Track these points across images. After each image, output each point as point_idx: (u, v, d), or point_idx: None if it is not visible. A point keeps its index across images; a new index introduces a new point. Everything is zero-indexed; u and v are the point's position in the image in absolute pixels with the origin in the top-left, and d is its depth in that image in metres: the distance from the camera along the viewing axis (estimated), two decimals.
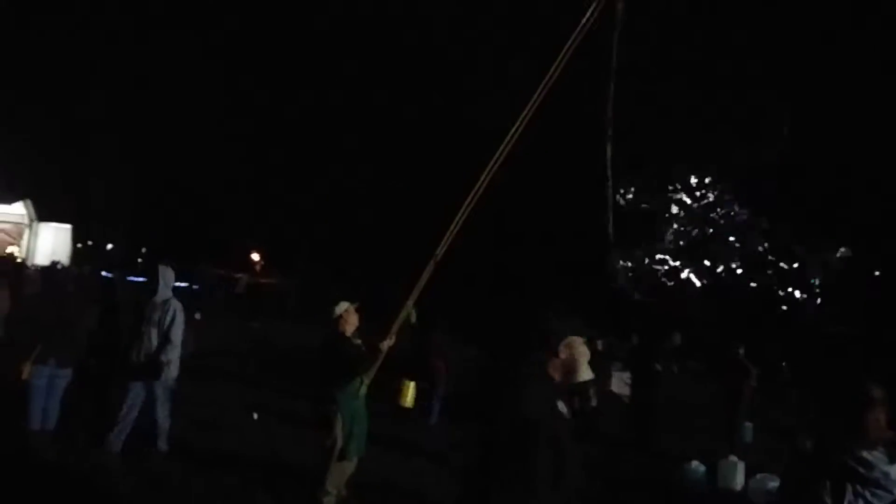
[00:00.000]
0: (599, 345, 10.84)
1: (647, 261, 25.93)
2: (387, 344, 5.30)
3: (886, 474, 2.26)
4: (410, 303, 5.34)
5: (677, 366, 9.37)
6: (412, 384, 9.75)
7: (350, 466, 5.52)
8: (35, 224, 24.00)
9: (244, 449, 7.22)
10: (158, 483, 5.85)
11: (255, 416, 8.73)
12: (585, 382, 8.75)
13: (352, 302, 5.79)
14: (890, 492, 2.26)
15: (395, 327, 5.35)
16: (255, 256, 46.00)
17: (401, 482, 6.71)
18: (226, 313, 22.56)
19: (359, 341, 5.74)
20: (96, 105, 36.24)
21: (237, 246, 42.34)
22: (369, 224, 34.04)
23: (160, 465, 6.28)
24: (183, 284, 36.07)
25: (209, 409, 8.83)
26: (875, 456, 2.28)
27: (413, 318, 13.50)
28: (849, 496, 2.27)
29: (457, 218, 5.03)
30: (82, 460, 6.12)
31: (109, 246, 40.46)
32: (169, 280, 6.71)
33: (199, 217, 39.85)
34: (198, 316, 10.61)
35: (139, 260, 38.34)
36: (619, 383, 11.44)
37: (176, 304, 6.55)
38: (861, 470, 2.28)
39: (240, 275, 31.20)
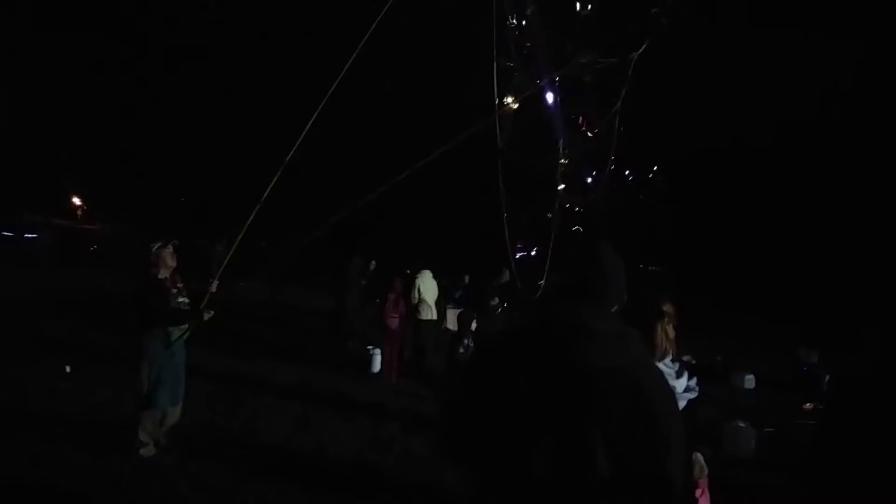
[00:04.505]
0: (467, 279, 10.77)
1: None
2: (209, 315, 5.11)
3: (674, 388, 2.39)
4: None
5: (506, 301, 9.68)
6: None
7: (161, 414, 5.22)
8: None
9: (56, 405, 6.60)
10: None
11: (68, 368, 8.02)
12: (428, 321, 8.90)
13: (168, 241, 5.38)
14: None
15: (213, 284, 5.11)
16: (77, 201, 42.23)
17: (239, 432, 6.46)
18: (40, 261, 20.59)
19: (180, 285, 5.38)
20: None
21: (59, 190, 38.47)
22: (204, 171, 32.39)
23: None
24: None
25: (16, 367, 8.03)
26: (662, 370, 2.41)
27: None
28: None
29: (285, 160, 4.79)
30: None
31: None
32: None
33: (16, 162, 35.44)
34: None
35: None
36: (454, 320, 11.81)
37: None
38: None
39: None
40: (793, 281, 21.75)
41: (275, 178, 4.50)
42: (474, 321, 8.42)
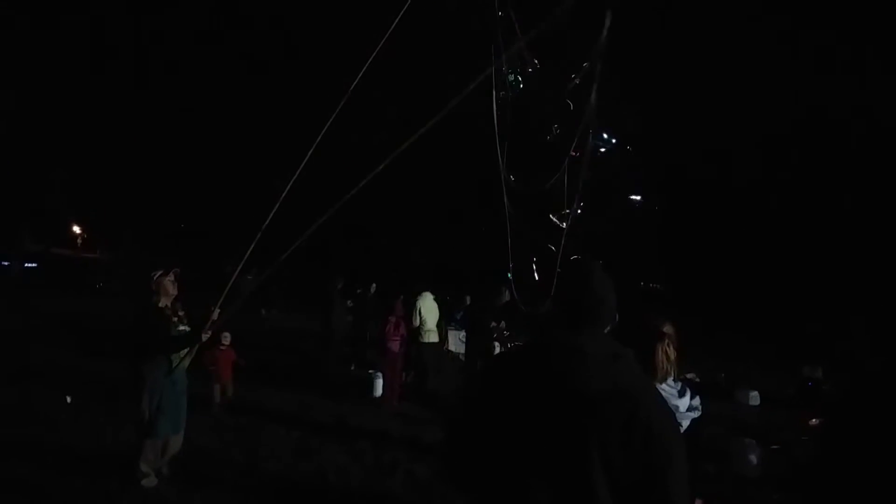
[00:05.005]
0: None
1: None
2: (207, 335, 5.08)
3: (676, 408, 2.39)
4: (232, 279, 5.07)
5: (508, 320, 9.66)
6: None
7: (161, 444, 5.18)
8: None
9: (55, 435, 6.55)
10: None
11: (69, 399, 7.98)
12: (430, 343, 8.84)
13: (169, 269, 5.37)
14: (680, 424, 2.36)
15: (214, 311, 5.08)
16: (77, 229, 42.51)
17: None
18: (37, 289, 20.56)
19: (181, 313, 5.37)
20: None
21: (58, 218, 38.67)
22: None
23: None
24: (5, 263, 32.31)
25: (14, 397, 7.98)
26: (665, 390, 2.40)
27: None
28: None
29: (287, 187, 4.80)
30: None
31: None
32: None
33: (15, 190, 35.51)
34: None
35: None
36: (456, 341, 11.81)
37: None
38: None
39: None
40: (794, 297, 21.72)
41: (276, 206, 4.51)
42: (497, 346, 8.40)
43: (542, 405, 1.83)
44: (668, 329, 2.47)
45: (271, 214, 4.54)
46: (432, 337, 10.02)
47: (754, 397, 10.96)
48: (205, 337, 5.14)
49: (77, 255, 34.23)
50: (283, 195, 4.50)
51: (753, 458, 6.85)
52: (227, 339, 8.38)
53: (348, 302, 12.64)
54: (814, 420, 8.87)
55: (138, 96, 34.64)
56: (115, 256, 32.37)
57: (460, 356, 11.32)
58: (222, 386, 8.22)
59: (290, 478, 5.92)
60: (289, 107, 29.32)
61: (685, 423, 2.40)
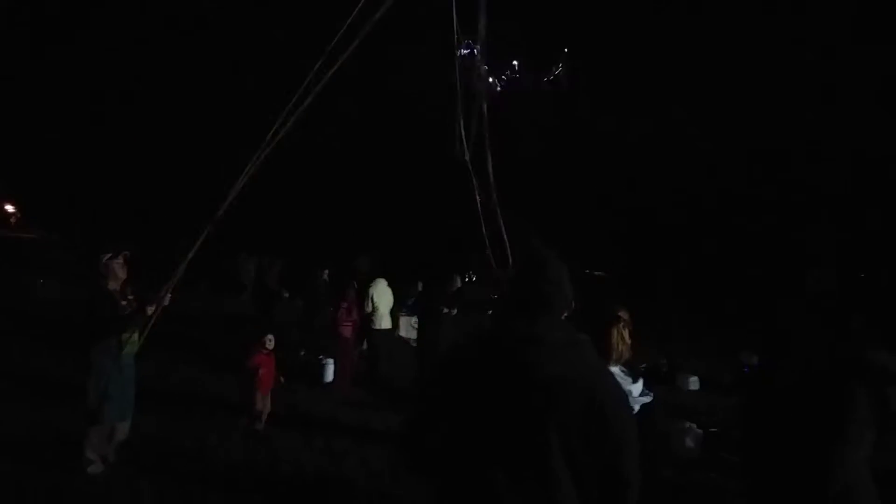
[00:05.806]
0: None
1: None
2: (152, 309, 4.97)
3: (630, 392, 2.49)
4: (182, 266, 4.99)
5: (458, 307, 9.72)
6: None
7: (109, 430, 5.09)
8: None
9: None
10: None
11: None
12: (382, 329, 8.83)
13: (118, 252, 5.25)
14: (632, 408, 2.47)
15: (165, 289, 5.00)
16: (10, 208, 40.78)
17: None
18: None
19: (130, 297, 5.26)
20: None
21: None
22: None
23: None
24: None
25: None
26: (619, 375, 2.50)
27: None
28: None
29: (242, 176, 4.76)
30: None
31: None
32: None
33: None
34: None
35: None
36: (407, 327, 11.86)
37: None
38: None
39: None
40: (735, 282, 22.37)
41: (230, 198, 4.46)
42: None
43: (500, 392, 1.88)
44: (623, 313, 2.58)
45: (228, 201, 4.49)
46: (385, 323, 10.02)
47: (694, 382, 11.35)
48: (150, 310, 5.03)
49: (11, 235, 32.71)
50: (241, 180, 4.46)
51: (693, 442, 7.12)
52: (270, 342, 7.20)
53: (284, 293, 12.62)
54: None
55: (77, 73, 33.16)
56: (55, 238, 30.97)
57: (412, 342, 11.36)
58: (261, 396, 7.06)
59: (240, 464, 5.88)
60: (237, 88, 28.69)
61: (636, 408, 2.50)
